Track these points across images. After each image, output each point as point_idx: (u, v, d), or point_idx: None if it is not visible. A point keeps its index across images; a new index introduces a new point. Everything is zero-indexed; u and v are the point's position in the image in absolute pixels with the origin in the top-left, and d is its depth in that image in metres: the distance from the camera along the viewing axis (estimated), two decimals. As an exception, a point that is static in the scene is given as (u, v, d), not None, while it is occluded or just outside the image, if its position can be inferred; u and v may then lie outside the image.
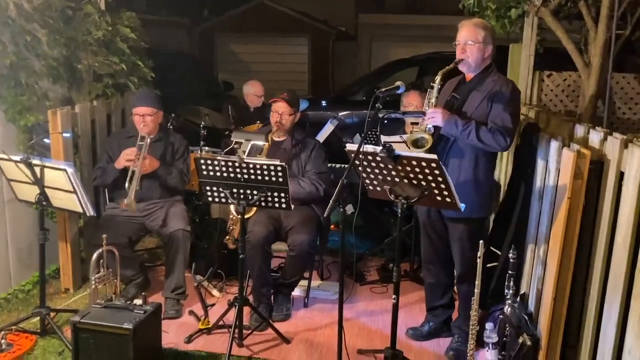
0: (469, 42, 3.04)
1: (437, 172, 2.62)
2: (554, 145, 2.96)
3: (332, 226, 4.93)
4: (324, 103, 7.91)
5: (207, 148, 5.36)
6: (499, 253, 3.57)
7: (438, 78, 3.02)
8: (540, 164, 3.24)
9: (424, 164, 2.62)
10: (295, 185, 3.83)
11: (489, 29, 3.08)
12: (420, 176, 2.69)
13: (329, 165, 4.34)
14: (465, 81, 3.17)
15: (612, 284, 2.51)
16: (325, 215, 2.76)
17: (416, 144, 3.04)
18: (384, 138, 4.26)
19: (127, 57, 4.34)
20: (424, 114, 3.00)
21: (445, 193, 2.70)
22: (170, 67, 7.40)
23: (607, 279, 2.58)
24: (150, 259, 4.74)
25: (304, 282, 4.02)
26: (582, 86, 4.66)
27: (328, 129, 5.68)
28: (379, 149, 2.71)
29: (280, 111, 3.92)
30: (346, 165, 4.96)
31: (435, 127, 3.03)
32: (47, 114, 3.75)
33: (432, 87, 3.04)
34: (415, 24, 14.37)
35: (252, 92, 6.11)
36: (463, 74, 3.19)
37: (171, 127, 5.36)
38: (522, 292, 3.41)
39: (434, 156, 2.58)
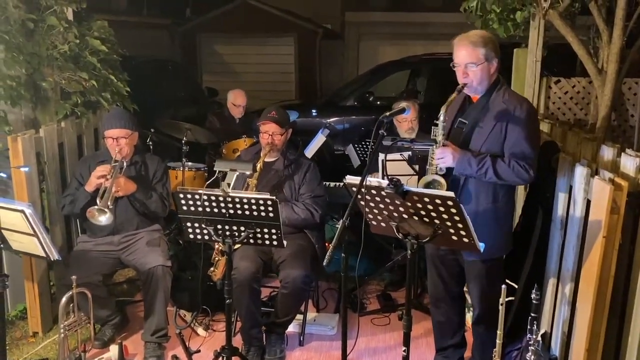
0: (470, 65, 2.63)
1: (453, 210, 2.27)
2: (581, 171, 2.62)
3: (326, 244, 4.59)
4: (314, 112, 7.54)
5: (190, 164, 5.00)
6: (515, 286, 3.23)
7: (442, 112, 2.60)
8: (561, 189, 2.90)
9: (438, 201, 2.26)
10: (289, 211, 3.47)
11: (490, 42, 2.64)
12: (433, 214, 2.33)
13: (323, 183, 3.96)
14: (471, 102, 2.79)
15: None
16: (324, 264, 2.39)
17: (429, 187, 2.67)
18: (382, 157, 3.91)
19: (98, 72, 3.93)
20: (435, 142, 2.63)
21: (463, 233, 2.34)
22: (149, 76, 6.97)
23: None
24: (130, 290, 4.34)
25: (298, 316, 3.66)
26: (593, 94, 4.35)
27: (319, 140, 5.33)
28: (384, 183, 2.34)
29: (270, 132, 3.56)
30: (340, 184, 4.68)
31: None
32: (7, 140, 3.34)
33: (436, 124, 2.64)
34: (402, 22, 14.05)
35: (231, 101, 5.73)
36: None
37: (151, 143, 4.99)
38: (542, 330, 3.07)
39: (450, 194, 2.22)
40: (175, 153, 5.58)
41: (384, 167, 3.93)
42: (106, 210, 3.17)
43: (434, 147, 2.66)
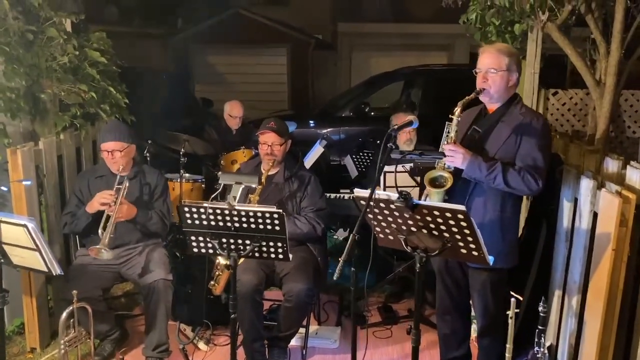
0: (491, 70, 2.68)
1: (463, 223, 2.26)
2: (587, 184, 2.63)
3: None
4: (311, 122, 7.54)
5: (187, 175, 4.97)
6: (520, 299, 3.22)
7: (458, 110, 2.64)
8: (566, 202, 2.90)
9: (448, 214, 2.26)
10: (291, 225, 3.44)
11: (514, 55, 2.72)
12: (442, 227, 2.32)
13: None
14: (487, 113, 2.81)
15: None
16: (335, 277, 2.36)
17: (434, 182, 2.68)
18: (385, 168, 3.90)
19: (97, 83, 3.90)
20: (443, 154, 2.63)
21: (472, 246, 2.33)
22: (144, 86, 6.93)
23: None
24: (128, 304, 4.28)
25: (300, 329, 3.62)
26: (591, 105, 4.38)
27: (317, 151, 5.32)
28: (394, 196, 2.33)
29: (269, 142, 3.53)
30: (340, 195, 4.66)
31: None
32: (6, 153, 3.29)
33: (450, 120, 2.67)
34: (394, 32, 14.13)
35: (228, 112, 5.71)
36: (483, 103, 2.83)
37: (148, 154, 4.95)
38: (547, 343, 3.07)
39: (461, 207, 2.21)
40: (172, 164, 5.55)
41: (385, 179, 3.93)
42: (107, 250, 3.14)
43: (445, 142, 2.67)
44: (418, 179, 3.71)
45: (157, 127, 6.33)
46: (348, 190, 4.87)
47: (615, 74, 3.83)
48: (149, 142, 4.99)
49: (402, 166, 3.85)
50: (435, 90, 7.71)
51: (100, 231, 3.22)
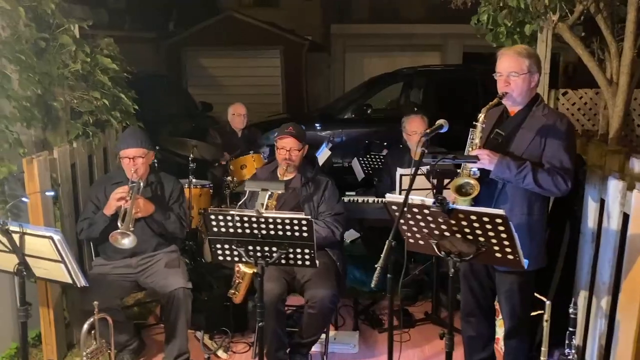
0: (512, 74, 2.66)
1: (501, 227, 2.25)
2: (615, 184, 2.63)
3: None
4: (318, 125, 7.52)
5: (194, 181, 4.92)
6: (544, 300, 3.21)
7: (482, 116, 2.63)
8: (591, 202, 2.90)
9: (485, 218, 2.24)
10: (311, 230, 3.42)
11: (534, 56, 2.72)
12: (478, 231, 2.31)
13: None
14: (508, 115, 2.80)
15: None
16: (372, 285, 2.34)
17: (460, 190, 2.66)
18: (400, 171, 3.89)
19: (108, 90, 3.85)
20: (476, 157, 2.62)
21: (508, 250, 2.32)
22: (147, 91, 6.86)
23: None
24: (142, 313, 4.22)
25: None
26: (601, 105, 4.40)
27: (324, 153, 5.31)
28: (429, 201, 2.32)
29: (288, 147, 3.51)
30: (353, 198, 4.64)
31: (480, 170, 2.66)
32: (22, 162, 3.23)
33: (474, 126, 2.65)
34: (387, 33, 14.16)
35: (232, 112, 5.70)
36: (504, 105, 2.82)
37: (156, 160, 4.90)
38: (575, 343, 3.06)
39: (501, 211, 2.21)
40: (177, 170, 5.51)
41: (401, 182, 3.92)
42: (129, 233, 3.10)
43: (470, 148, 2.65)
44: (435, 181, 3.71)
45: (160, 133, 6.27)
46: (354, 193, 4.86)
47: (629, 74, 3.85)
48: (157, 147, 4.94)
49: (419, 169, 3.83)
50: (436, 90, 7.72)
51: (119, 223, 3.17)
